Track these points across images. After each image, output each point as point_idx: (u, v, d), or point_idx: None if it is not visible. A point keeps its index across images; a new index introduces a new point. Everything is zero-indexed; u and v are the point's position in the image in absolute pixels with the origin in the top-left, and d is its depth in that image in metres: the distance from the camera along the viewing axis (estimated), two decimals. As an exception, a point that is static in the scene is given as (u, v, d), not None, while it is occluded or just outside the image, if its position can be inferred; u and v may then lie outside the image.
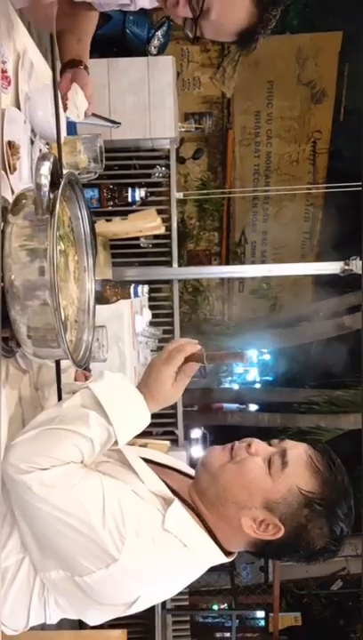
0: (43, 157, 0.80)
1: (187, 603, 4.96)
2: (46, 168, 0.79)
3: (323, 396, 5.41)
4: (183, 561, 1.00)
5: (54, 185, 0.84)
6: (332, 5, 6.78)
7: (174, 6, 1.11)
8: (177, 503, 1.00)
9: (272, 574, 5.47)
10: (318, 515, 0.99)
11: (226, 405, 7.04)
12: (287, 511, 0.99)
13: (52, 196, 0.82)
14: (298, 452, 1.02)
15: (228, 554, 1.06)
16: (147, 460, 1.09)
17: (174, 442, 4.36)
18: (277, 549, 1.04)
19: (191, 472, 1.15)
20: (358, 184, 4.53)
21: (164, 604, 4.47)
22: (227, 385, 7.73)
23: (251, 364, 8.10)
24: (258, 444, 1.04)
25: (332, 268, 4.11)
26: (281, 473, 1.00)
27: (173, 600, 4.72)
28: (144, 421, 1.03)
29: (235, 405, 7.09)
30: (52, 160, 0.80)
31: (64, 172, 0.94)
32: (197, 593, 5.59)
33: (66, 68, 1.33)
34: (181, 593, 4.84)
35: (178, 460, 1.23)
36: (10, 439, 1.01)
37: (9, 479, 0.96)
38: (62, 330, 0.85)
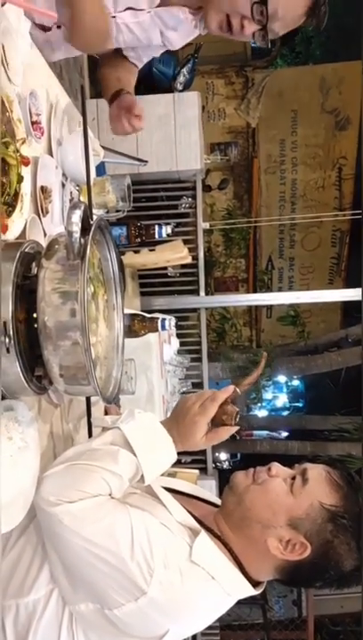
0: (74, 206, 0.85)
1: (218, 638, 4.85)
2: (77, 216, 0.84)
3: (353, 423, 5.32)
4: (211, 593, 1.00)
5: (85, 230, 0.89)
6: (354, 35, 6.88)
7: (241, 30, 1.20)
8: (204, 534, 1.01)
9: (306, 609, 5.32)
10: (342, 529, 1.00)
11: (256, 432, 6.97)
12: (312, 527, 1.01)
13: (82, 241, 0.87)
14: (318, 470, 1.05)
15: (256, 585, 1.06)
16: (173, 491, 1.11)
17: (203, 470, 4.34)
18: (306, 572, 1.03)
19: (217, 501, 1.17)
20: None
21: (194, 638, 4.39)
22: (256, 411, 7.66)
23: (279, 390, 8.03)
24: (278, 467, 1.07)
25: (359, 294, 4.09)
26: (302, 489, 1.03)
27: (203, 634, 4.63)
28: (171, 462, 1.06)
29: (265, 432, 7.01)
30: (82, 208, 0.85)
31: (94, 216, 0.99)
32: (229, 627, 5.46)
33: (113, 100, 1.42)
34: (211, 627, 4.76)
35: (203, 489, 1.24)
36: (41, 472, 1.04)
37: (40, 512, 0.99)
38: (92, 369, 0.89)
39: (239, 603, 1.07)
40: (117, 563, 0.94)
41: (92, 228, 0.90)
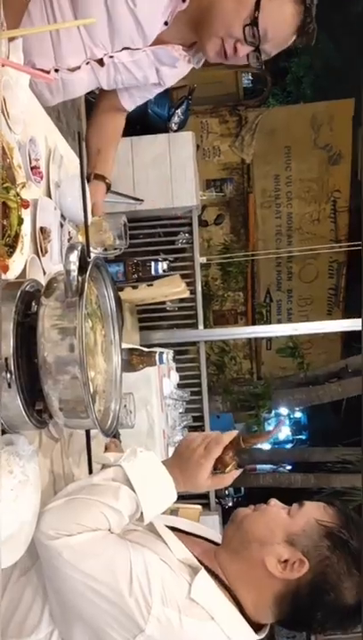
0: (71, 247, 0.90)
1: None
2: (75, 256, 0.88)
3: (356, 454, 5.28)
4: (210, 633, 0.98)
5: (82, 269, 0.93)
6: (343, 74, 7.12)
7: (234, 54, 1.28)
8: (204, 572, 1.01)
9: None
10: (339, 544, 1.02)
11: (259, 466, 6.90)
12: (309, 544, 1.02)
13: (80, 279, 0.91)
14: (315, 502, 1.10)
15: (257, 629, 1.04)
16: (174, 529, 1.11)
17: (206, 505, 4.29)
18: (305, 597, 1.02)
19: (218, 538, 1.17)
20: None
21: None
22: (259, 445, 7.60)
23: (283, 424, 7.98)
24: (275, 500, 1.11)
25: (357, 324, 4.13)
26: (298, 511, 1.06)
27: None
28: (171, 501, 1.07)
29: (268, 466, 6.94)
30: (79, 248, 0.89)
31: (92, 254, 1.03)
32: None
33: (89, 180, 1.51)
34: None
35: (206, 525, 1.25)
36: (41, 507, 1.05)
37: (40, 546, 0.99)
38: (91, 402, 0.91)
39: None
40: (115, 598, 0.94)
41: (90, 267, 0.94)
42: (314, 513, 1.06)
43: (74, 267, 0.88)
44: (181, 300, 4.40)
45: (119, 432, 2.11)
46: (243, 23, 1.23)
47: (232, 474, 1.08)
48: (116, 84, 1.45)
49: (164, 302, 4.28)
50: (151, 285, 3.37)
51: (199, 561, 1.04)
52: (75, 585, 0.96)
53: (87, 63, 1.37)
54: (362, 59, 6.60)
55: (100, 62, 1.38)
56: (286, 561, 1.02)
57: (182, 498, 1.16)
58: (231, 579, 1.05)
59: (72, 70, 1.38)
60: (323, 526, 1.03)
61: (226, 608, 1.01)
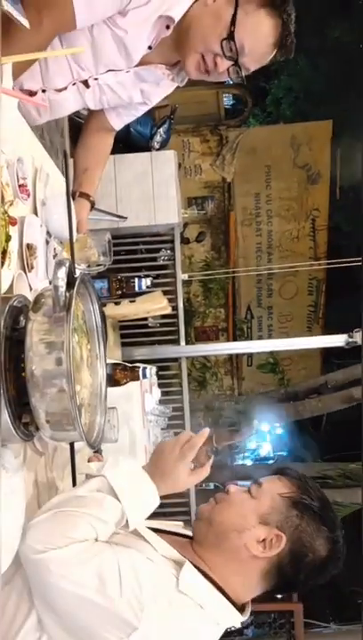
0: (59, 263, 0.93)
1: None
2: (63, 272, 0.91)
3: (337, 469, 5.32)
4: (201, 622, 1.03)
5: (69, 285, 0.95)
6: (322, 96, 7.31)
7: (215, 68, 1.32)
8: (188, 565, 1.05)
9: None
10: (305, 509, 1.09)
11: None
12: (280, 517, 1.08)
13: (67, 294, 0.94)
14: (269, 477, 1.16)
15: (242, 609, 1.10)
16: (151, 529, 1.14)
17: (188, 522, 4.28)
18: (289, 565, 1.08)
19: (189, 531, 1.21)
20: (358, 259, 4.70)
21: None
22: (240, 462, 7.60)
23: (263, 439, 8.00)
24: (234, 485, 1.16)
25: (336, 340, 4.20)
26: (260, 491, 1.12)
27: None
28: (154, 506, 1.10)
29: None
30: (67, 265, 0.92)
31: (77, 271, 1.06)
32: None
33: (74, 198, 1.54)
34: None
35: (177, 524, 1.28)
36: (26, 521, 1.06)
37: (26, 560, 1.00)
38: (78, 414, 0.94)
39: None
40: (107, 602, 0.96)
41: (77, 283, 0.96)
42: (275, 488, 1.12)
43: (62, 282, 0.91)
44: (163, 317, 4.43)
45: (101, 448, 2.12)
46: (220, 38, 1.28)
47: (208, 465, 1.13)
48: (103, 104, 1.49)
49: (146, 318, 4.30)
50: (134, 302, 3.40)
51: (182, 555, 1.07)
52: (65, 595, 0.97)
53: (73, 84, 1.41)
54: (340, 81, 6.80)
55: (86, 84, 1.42)
56: (264, 540, 1.07)
57: (163, 515, 1.18)
58: (215, 569, 1.09)
59: (59, 91, 1.42)
60: (287, 498, 1.10)
61: (212, 596, 1.06)
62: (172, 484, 1.11)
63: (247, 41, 1.28)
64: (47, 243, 1.44)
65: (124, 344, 4.24)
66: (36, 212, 1.40)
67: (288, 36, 1.31)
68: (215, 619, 1.05)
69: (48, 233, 1.46)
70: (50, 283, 1.08)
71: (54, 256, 1.48)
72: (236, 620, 1.08)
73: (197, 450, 1.11)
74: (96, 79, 1.41)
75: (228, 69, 1.33)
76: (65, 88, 1.42)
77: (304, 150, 7.54)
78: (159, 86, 1.50)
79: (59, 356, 0.91)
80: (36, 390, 0.93)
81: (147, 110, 1.66)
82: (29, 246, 1.31)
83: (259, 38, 1.29)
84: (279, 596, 4.70)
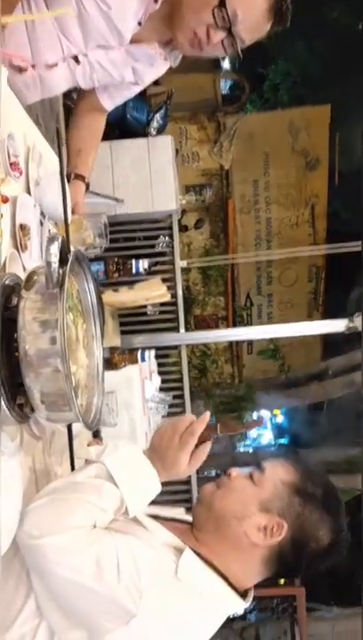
0: (52, 239, 0.90)
1: None
2: (55, 247, 0.88)
3: (338, 455, 5.32)
4: (201, 609, 1.02)
5: (63, 262, 0.92)
6: (320, 80, 7.23)
7: (208, 41, 1.27)
8: (188, 551, 1.03)
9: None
10: (309, 498, 1.06)
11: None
12: (282, 505, 1.06)
13: (61, 271, 0.91)
14: (272, 461, 1.13)
15: (244, 595, 1.08)
16: (151, 516, 1.12)
17: (189, 510, 4.28)
18: (290, 552, 1.06)
19: (189, 517, 1.19)
20: (358, 244, 4.66)
21: None
22: (242, 449, 7.61)
23: (264, 427, 8.01)
24: (236, 470, 1.13)
25: (336, 325, 4.18)
26: (262, 477, 1.09)
27: None
28: (155, 494, 1.08)
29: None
30: (60, 240, 0.89)
31: (71, 249, 1.03)
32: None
33: (69, 180, 1.51)
34: None
35: (177, 510, 1.26)
36: (23, 506, 1.04)
37: (23, 546, 0.99)
38: (73, 394, 0.91)
39: None
40: (105, 590, 0.94)
41: (70, 259, 0.93)
42: (278, 475, 1.09)
43: (55, 258, 0.88)
44: (163, 305, 4.40)
45: (101, 434, 2.11)
46: (211, 6, 1.23)
47: (205, 448, 1.10)
48: (93, 82, 1.45)
49: (145, 306, 4.28)
50: (132, 289, 3.37)
51: (182, 542, 1.06)
52: (63, 582, 0.96)
53: (64, 61, 1.38)
54: (338, 64, 6.72)
55: (76, 60, 1.39)
56: (265, 528, 1.05)
57: (165, 494, 1.16)
58: (216, 555, 1.07)
59: (49, 67, 1.38)
60: (289, 485, 1.07)
61: (213, 582, 1.04)
62: (172, 472, 1.09)
63: (240, 7, 1.24)
64: (41, 224, 1.41)
65: (123, 332, 4.22)
66: (29, 192, 1.37)
67: (283, 1, 1.26)
68: (216, 605, 1.04)
69: (42, 214, 1.43)
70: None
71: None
72: (238, 606, 1.07)
73: (197, 437, 1.08)
74: (86, 55, 1.38)
75: (222, 42, 1.29)
76: (55, 64, 1.39)
77: (302, 136, 7.47)
78: (152, 66, 1.46)
79: (53, 334, 0.89)
80: (30, 370, 0.90)
81: (140, 92, 1.63)
82: (23, 226, 1.28)
83: (251, 4, 1.25)
84: (282, 581, 4.74)
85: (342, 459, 5.34)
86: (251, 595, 1.11)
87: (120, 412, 2.77)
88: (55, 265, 0.88)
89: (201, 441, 1.09)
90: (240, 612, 1.11)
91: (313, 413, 6.60)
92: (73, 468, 1.31)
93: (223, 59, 7.89)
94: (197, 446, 1.09)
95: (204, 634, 1.07)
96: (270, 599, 5.61)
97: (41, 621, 1.02)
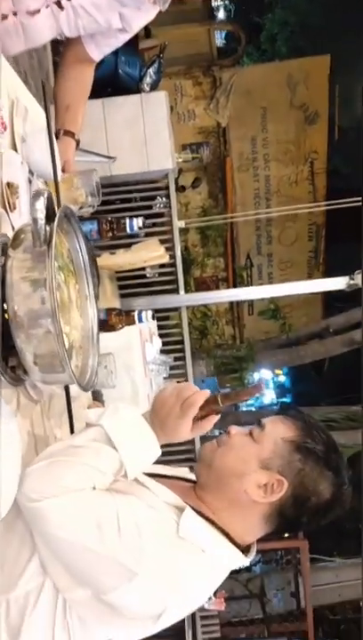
0: (37, 194, 0.86)
1: (219, 635, 4.85)
2: (41, 203, 0.84)
3: (340, 412, 5.37)
4: (203, 566, 1.03)
5: (50, 218, 0.89)
6: (318, 30, 6.98)
7: None
8: (189, 510, 1.03)
9: (304, 600, 5.35)
10: (308, 453, 1.05)
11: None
12: (282, 462, 1.05)
13: (48, 228, 0.87)
14: (271, 417, 1.11)
15: (246, 551, 1.08)
16: (152, 475, 1.12)
17: (193, 468, 4.33)
18: (290, 508, 1.06)
19: (192, 475, 1.19)
20: (358, 199, 4.58)
21: (195, 636, 4.38)
22: (244, 409, 7.69)
23: (266, 386, 8.07)
24: (236, 427, 1.12)
25: (337, 283, 4.14)
26: (262, 434, 1.07)
27: (204, 632, 4.63)
28: (155, 457, 1.07)
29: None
30: (46, 195, 0.85)
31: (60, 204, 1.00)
32: (229, 624, 5.46)
33: (58, 137, 1.44)
34: (212, 624, 4.71)
35: (182, 469, 1.26)
36: (22, 469, 1.03)
37: (24, 509, 0.99)
38: (65, 354, 0.89)
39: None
40: (106, 550, 0.95)
41: (58, 215, 0.90)
42: (278, 431, 1.07)
43: (41, 215, 0.84)
44: (161, 267, 4.35)
45: (103, 395, 2.10)
46: None
47: (211, 419, 1.08)
48: (79, 29, 1.38)
49: (143, 269, 4.23)
50: (129, 250, 3.32)
51: (184, 500, 1.05)
52: (64, 543, 0.97)
53: (47, 7, 1.31)
54: (338, 12, 6.47)
55: (59, 5, 1.31)
56: (265, 485, 1.04)
57: (167, 454, 1.16)
58: (217, 512, 1.07)
59: (31, 14, 1.31)
60: (290, 442, 1.06)
61: (215, 539, 1.04)
62: (172, 436, 1.08)
63: None
64: (30, 182, 1.37)
65: (122, 295, 4.18)
66: (15, 149, 1.31)
67: None
68: (218, 562, 1.04)
69: (31, 172, 1.38)
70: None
71: (39, 196, 1.41)
72: (240, 562, 1.07)
73: (197, 408, 1.06)
74: (69, 0, 1.31)
75: None
76: (37, 11, 1.31)
77: (301, 89, 7.25)
78: (140, 10, 1.39)
79: (42, 294, 0.86)
80: (21, 331, 0.88)
81: (131, 46, 1.56)
82: (10, 185, 1.23)
83: None
84: (285, 534, 4.85)
85: (343, 415, 5.39)
86: (253, 550, 1.11)
87: (121, 375, 2.77)
88: (42, 221, 0.85)
89: (207, 414, 1.07)
90: (246, 564, 1.12)
91: (315, 371, 6.62)
92: (72, 431, 1.30)
93: (217, 8, 7.59)
94: (203, 418, 1.07)
95: (206, 589, 1.09)
96: (275, 552, 5.76)
97: (45, 579, 1.03)
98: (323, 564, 6.08)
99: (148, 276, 4.49)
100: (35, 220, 0.85)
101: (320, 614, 5.89)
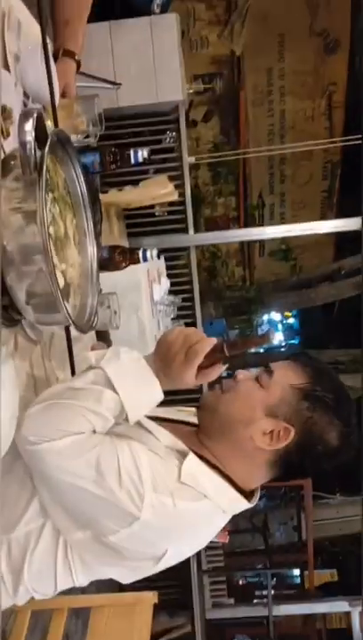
0: (26, 114, 0.77)
1: (223, 564, 5.05)
2: (30, 124, 0.75)
3: (348, 355, 5.35)
4: (205, 511, 1.01)
5: (42, 143, 0.80)
6: None
7: None
8: (192, 455, 1.01)
9: (306, 533, 5.52)
10: (317, 401, 1.01)
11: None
12: (289, 410, 1.02)
13: (39, 154, 0.79)
14: (280, 362, 1.07)
15: (249, 496, 1.07)
16: (155, 418, 1.09)
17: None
18: (296, 455, 1.04)
19: (194, 419, 1.16)
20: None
21: (199, 565, 4.55)
22: (252, 350, 7.70)
23: (275, 328, 8.04)
24: (243, 372, 1.08)
25: (351, 224, 4.01)
26: (270, 381, 1.03)
27: (209, 562, 4.81)
28: (157, 402, 1.03)
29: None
30: (35, 116, 0.76)
31: (53, 130, 0.90)
32: (233, 554, 5.69)
33: (56, 57, 1.32)
34: (216, 555, 4.89)
35: (183, 411, 1.23)
36: (21, 411, 1.01)
37: (23, 451, 0.98)
38: (60, 293, 0.82)
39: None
40: (106, 494, 0.93)
41: (50, 140, 0.81)
42: (286, 378, 1.04)
43: (30, 137, 0.76)
44: (171, 204, 4.21)
45: (110, 336, 2.06)
46: None
47: (217, 368, 1.03)
48: None
49: (152, 207, 4.10)
50: (137, 186, 3.20)
51: (186, 445, 1.03)
52: (63, 486, 0.96)
53: None
54: None
55: None
56: (271, 432, 1.02)
57: (174, 402, 1.12)
58: (220, 458, 1.05)
59: None
60: (298, 389, 1.02)
61: (217, 484, 1.02)
62: (176, 383, 1.04)
63: None
64: (25, 105, 1.26)
65: (130, 234, 4.08)
66: (8, 69, 1.20)
67: None
68: (221, 506, 1.03)
69: (26, 95, 1.27)
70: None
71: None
72: (242, 506, 1.06)
73: (202, 357, 1.01)
74: None
75: None
76: None
77: (323, 14, 6.80)
78: None
79: (33, 227, 0.78)
80: (11, 269, 0.81)
81: None
82: (3, 108, 1.14)
83: None
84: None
85: (352, 358, 5.36)
86: (257, 495, 1.10)
87: (129, 315, 2.72)
88: (31, 146, 0.76)
89: (213, 363, 1.01)
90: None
91: (324, 314, 6.56)
92: (73, 373, 1.26)
93: None
94: (208, 367, 1.02)
95: (208, 534, 1.08)
96: (278, 489, 5.90)
97: (46, 521, 1.03)
98: (325, 500, 6.23)
99: (156, 214, 4.36)
100: (23, 144, 0.76)
101: (321, 545, 6.10)
